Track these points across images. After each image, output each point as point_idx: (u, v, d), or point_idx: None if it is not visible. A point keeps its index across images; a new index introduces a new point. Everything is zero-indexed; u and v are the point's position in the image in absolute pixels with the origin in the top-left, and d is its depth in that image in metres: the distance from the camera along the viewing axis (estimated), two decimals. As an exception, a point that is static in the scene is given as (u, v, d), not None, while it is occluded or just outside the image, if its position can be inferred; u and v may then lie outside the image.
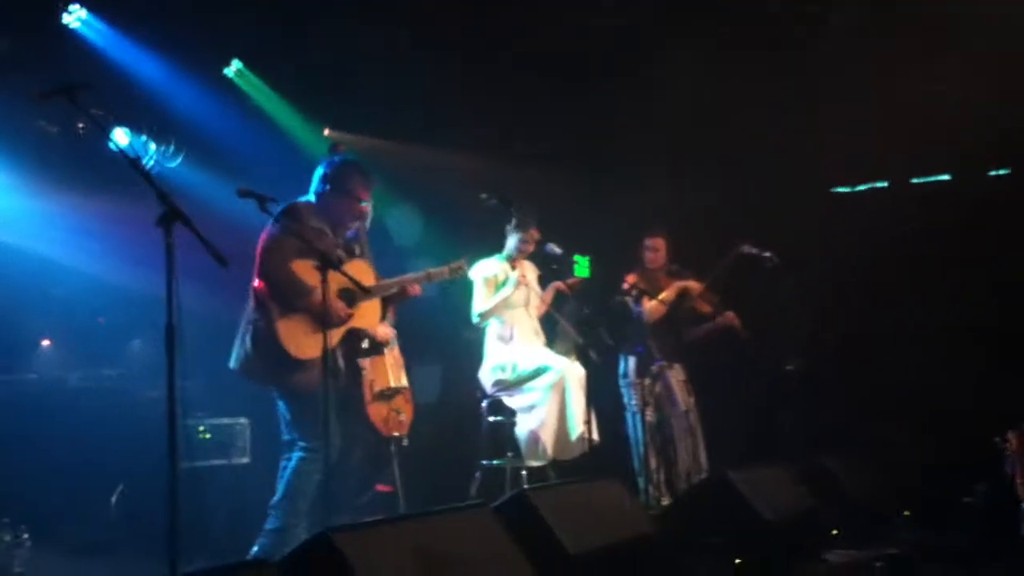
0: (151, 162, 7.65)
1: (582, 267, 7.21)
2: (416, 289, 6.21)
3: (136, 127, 7.62)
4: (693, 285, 7.78)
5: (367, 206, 5.97)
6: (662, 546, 5.36)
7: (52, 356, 7.82)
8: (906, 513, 7.10)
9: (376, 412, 6.70)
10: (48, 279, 7.71)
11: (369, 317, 5.96)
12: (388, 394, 6.70)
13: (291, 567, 3.56)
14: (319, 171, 5.92)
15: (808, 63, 8.25)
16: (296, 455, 5.62)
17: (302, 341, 5.50)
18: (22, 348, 7.71)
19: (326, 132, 6.99)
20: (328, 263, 5.10)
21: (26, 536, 5.77)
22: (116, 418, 6.91)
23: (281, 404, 5.72)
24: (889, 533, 6.79)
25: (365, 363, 6.61)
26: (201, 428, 6.84)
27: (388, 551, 3.84)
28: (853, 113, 8.15)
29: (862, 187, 9.53)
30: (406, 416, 6.80)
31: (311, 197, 5.86)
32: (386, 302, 6.18)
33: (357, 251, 6.19)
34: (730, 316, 7.84)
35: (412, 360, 7.50)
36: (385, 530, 4.04)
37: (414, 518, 4.61)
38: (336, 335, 5.71)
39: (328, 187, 5.83)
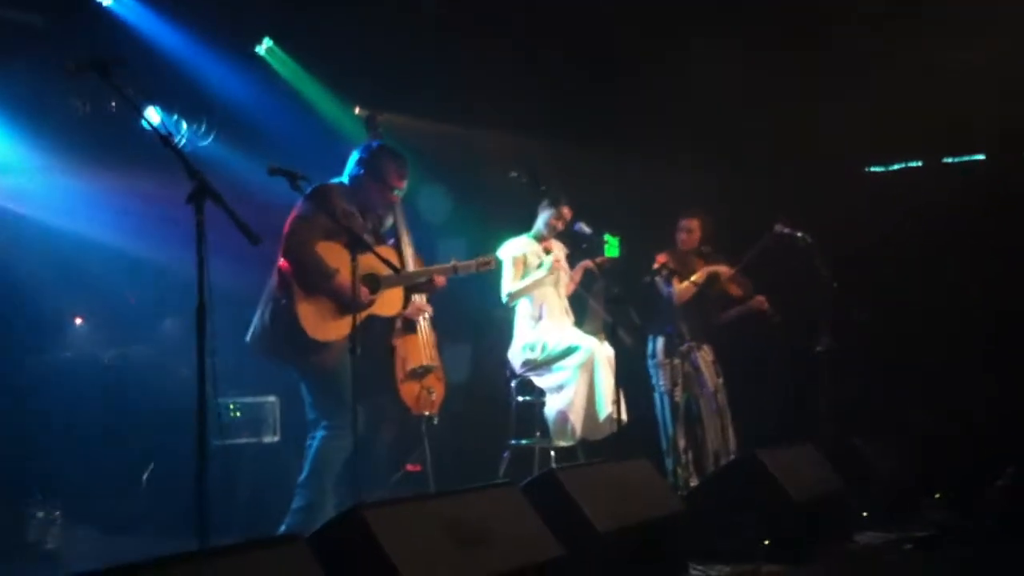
0: (183, 140, 7.68)
1: (612, 246, 7.17)
2: (441, 280, 6.21)
3: (168, 105, 7.65)
4: (724, 269, 7.75)
5: (399, 194, 5.97)
6: (690, 526, 5.34)
7: (86, 334, 7.87)
8: (936, 495, 7.06)
9: (408, 390, 6.70)
10: (82, 257, 7.75)
11: (391, 304, 5.96)
12: (420, 372, 6.71)
13: (321, 542, 3.57)
14: (355, 154, 5.93)
15: (840, 40, 8.19)
16: (320, 434, 5.65)
17: (322, 323, 5.52)
18: (56, 326, 7.76)
19: (357, 110, 6.97)
20: (358, 243, 5.10)
21: (58, 513, 5.83)
22: (149, 396, 6.95)
23: (302, 384, 5.75)
24: (918, 515, 6.77)
25: (397, 341, 6.64)
26: (231, 406, 6.87)
27: (417, 527, 3.84)
28: (886, 91, 8.08)
29: (896, 166, 9.46)
30: (437, 395, 6.80)
31: (344, 179, 5.86)
32: (411, 291, 6.18)
33: (391, 239, 6.19)
34: (761, 300, 7.81)
35: (443, 339, 7.49)
36: (414, 507, 4.04)
37: (443, 496, 4.62)
38: (356, 319, 5.73)
39: (363, 171, 5.84)
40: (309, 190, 5.39)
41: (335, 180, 5.84)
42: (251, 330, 5.73)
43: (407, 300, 6.16)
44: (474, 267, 6.41)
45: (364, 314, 5.75)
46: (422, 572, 3.62)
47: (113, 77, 4.32)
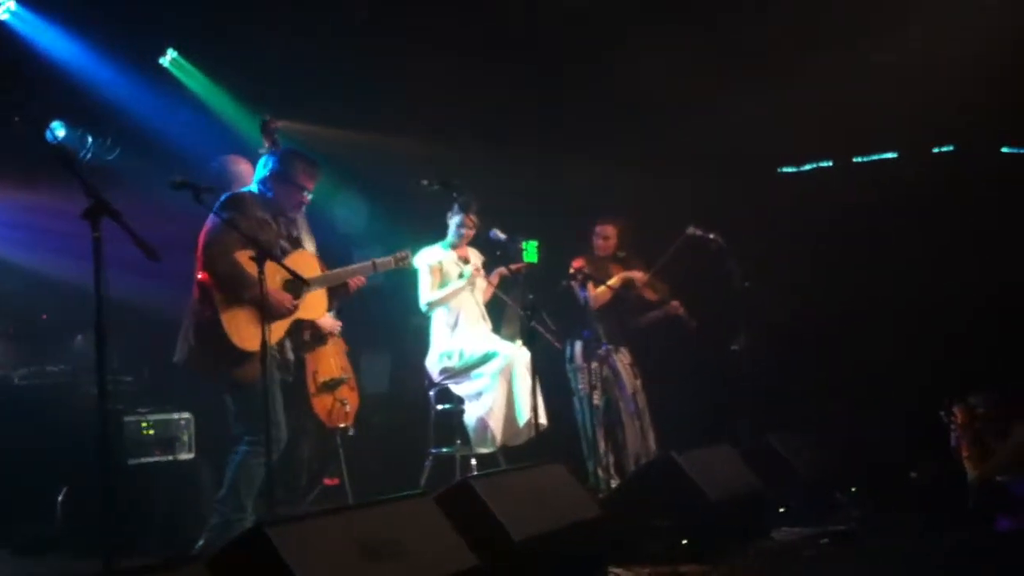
0: (88, 155, 7.54)
1: (530, 252, 7.17)
2: (359, 280, 6.23)
3: (72, 120, 7.50)
4: (639, 275, 7.79)
5: (309, 196, 5.93)
6: (609, 529, 5.34)
7: (-5, 352, 7.69)
8: (853, 490, 7.14)
9: (320, 403, 6.67)
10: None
11: (315, 308, 5.94)
12: (332, 384, 6.67)
13: (224, 562, 3.50)
14: (262, 160, 5.90)
15: (750, 42, 8.27)
16: (242, 448, 5.58)
17: (247, 332, 5.45)
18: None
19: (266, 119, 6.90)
20: (265, 254, 5.05)
21: (-33, 536, 5.68)
22: (61, 415, 6.80)
23: (228, 398, 5.67)
24: (836, 510, 6.84)
25: (307, 355, 6.58)
26: (144, 423, 6.74)
27: (324, 544, 3.78)
28: (797, 92, 8.17)
29: (807, 167, 9.58)
30: (351, 406, 6.77)
31: (254, 187, 5.81)
32: (331, 294, 6.15)
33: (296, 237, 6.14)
34: (676, 306, 7.88)
35: (361, 349, 7.47)
36: (322, 522, 3.98)
37: (353, 509, 4.59)
38: (283, 326, 5.68)
39: (271, 176, 5.79)
40: (223, 200, 5.33)
41: (245, 189, 5.78)
42: (179, 349, 5.65)
43: (331, 302, 6.15)
44: (392, 263, 6.50)
45: (291, 319, 5.71)
46: (330, 589, 3.57)
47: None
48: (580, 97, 8.70)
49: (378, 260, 6.41)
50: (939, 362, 7.92)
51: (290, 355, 5.87)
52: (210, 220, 5.52)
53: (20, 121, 6.94)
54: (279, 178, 5.80)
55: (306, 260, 5.89)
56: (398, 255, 6.55)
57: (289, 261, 5.51)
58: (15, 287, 7.73)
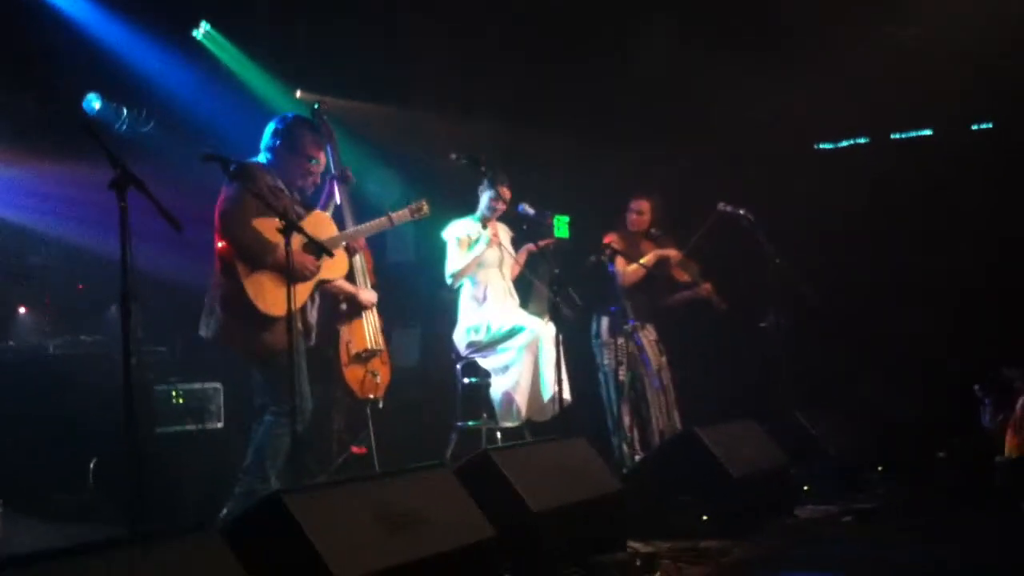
0: (124, 127, 7.61)
1: (561, 227, 7.15)
2: (360, 242, 6.18)
3: (108, 93, 7.58)
4: (673, 253, 7.75)
5: (318, 164, 5.94)
6: (629, 504, 5.36)
7: (30, 324, 7.80)
8: (879, 468, 7.12)
9: (352, 374, 6.72)
10: (22, 247, 7.69)
11: (337, 268, 5.95)
12: (365, 356, 6.72)
13: (240, 530, 3.55)
14: (269, 128, 5.87)
15: (788, 18, 8.21)
16: (267, 419, 5.62)
17: (272, 297, 5.47)
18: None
19: (298, 94, 6.95)
20: (288, 222, 5.08)
21: (0, 503, 5.78)
22: (94, 384, 6.89)
23: (254, 368, 5.71)
24: (862, 488, 6.82)
25: (342, 326, 6.64)
26: (175, 393, 6.83)
27: (343, 512, 3.83)
28: (833, 68, 8.11)
29: (844, 143, 9.50)
30: (382, 378, 6.82)
31: (261, 157, 5.82)
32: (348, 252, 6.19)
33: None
34: (707, 288, 7.83)
35: (392, 323, 7.50)
36: (340, 491, 4.04)
37: (371, 479, 4.63)
38: (306, 289, 5.69)
39: (278, 143, 5.79)
40: (232, 170, 5.35)
41: (254, 159, 5.79)
42: (204, 323, 5.69)
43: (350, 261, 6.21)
44: (408, 215, 6.41)
45: (314, 280, 5.74)
46: (347, 558, 3.60)
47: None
48: (614, 72, 8.67)
49: (393, 214, 6.33)
50: (971, 340, 7.85)
51: (311, 319, 5.88)
52: (224, 190, 5.55)
53: (54, 94, 7.10)
54: (285, 147, 5.79)
55: (321, 221, 5.92)
56: (413, 206, 6.42)
57: (305, 224, 5.51)
58: (51, 258, 7.83)
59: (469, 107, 8.64)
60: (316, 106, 6.57)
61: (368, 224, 6.27)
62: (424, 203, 6.47)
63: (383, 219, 6.29)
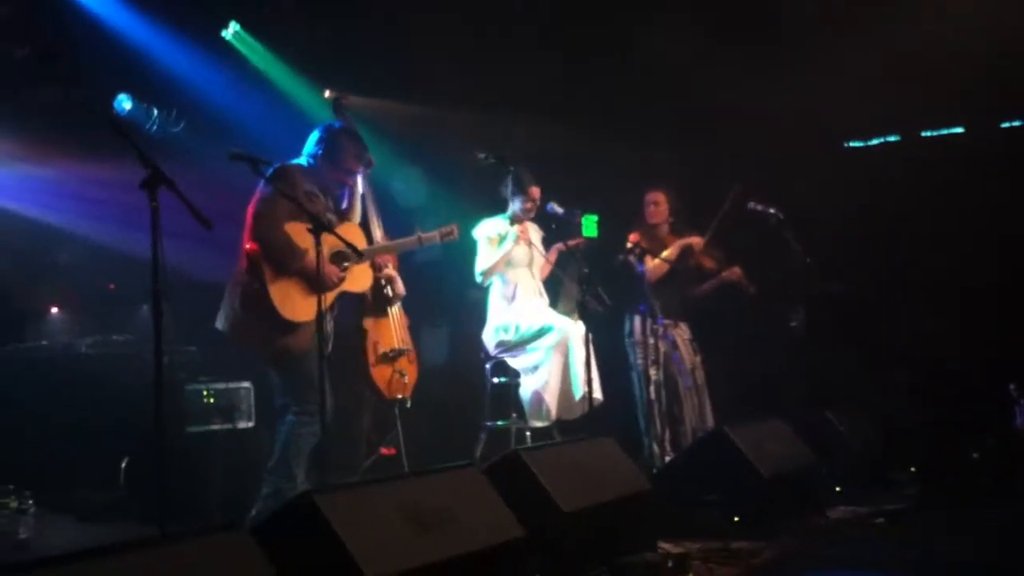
0: (154, 127, 7.65)
1: (589, 226, 7.14)
2: (390, 257, 6.25)
3: (138, 93, 7.62)
4: (696, 240, 7.72)
5: (357, 177, 5.99)
6: (659, 504, 5.34)
7: (61, 323, 7.86)
8: (912, 470, 7.06)
9: (380, 374, 6.73)
10: (53, 246, 7.76)
11: (361, 280, 6.00)
12: (392, 355, 6.73)
13: (270, 530, 3.55)
14: (314, 135, 5.94)
15: (817, 14, 8.16)
16: (289, 419, 5.64)
17: (295, 304, 5.51)
18: (31, 316, 7.76)
19: (327, 94, 6.96)
20: (320, 225, 5.10)
21: (31, 502, 5.82)
22: (125, 383, 6.93)
23: (272, 369, 5.74)
24: (894, 489, 6.77)
25: (368, 324, 6.66)
26: (205, 392, 6.86)
27: (372, 512, 3.82)
28: (863, 65, 8.06)
29: (874, 141, 9.44)
30: (410, 378, 6.83)
31: (303, 160, 5.86)
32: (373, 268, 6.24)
33: (355, 216, 6.21)
34: (735, 271, 7.79)
35: (420, 322, 7.51)
36: (371, 490, 4.03)
37: (401, 479, 4.63)
38: (328, 299, 5.71)
39: (321, 152, 5.84)
40: (271, 171, 5.38)
41: (294, 161, 5.83)
42: (221, 316, 5.71)
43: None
44: (438, 237, 6.52)
45: (336, 291, 5.76)
46: (378, 557, 3.60)
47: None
48: (640, 69, 8.63)
49: (423, 235, 6.47)
50: (1004, 340, 7.78)
51: (329, 328, 5.89)
52: (259, 191, 5.57)
53: (85, 93, 7.13)
54: (327, 155, 5.85)
55: (352, 233, 5.94)
56: (443, 230, 6.56)
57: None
58: (82, 258, 7.89)
59: (495, 105, 8.62)
60: (335, 99, 6.61)
61: (396, 242, 6.42)
62: (455, 227, 6.63)
63: (412, 238, 6.44)
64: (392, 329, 6.80)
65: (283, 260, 5.49)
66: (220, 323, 5.71)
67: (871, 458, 6.78)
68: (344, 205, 6.24)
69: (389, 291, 6.56)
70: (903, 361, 8.17)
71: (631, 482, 5.27)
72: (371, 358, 6.68)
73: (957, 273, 8.18)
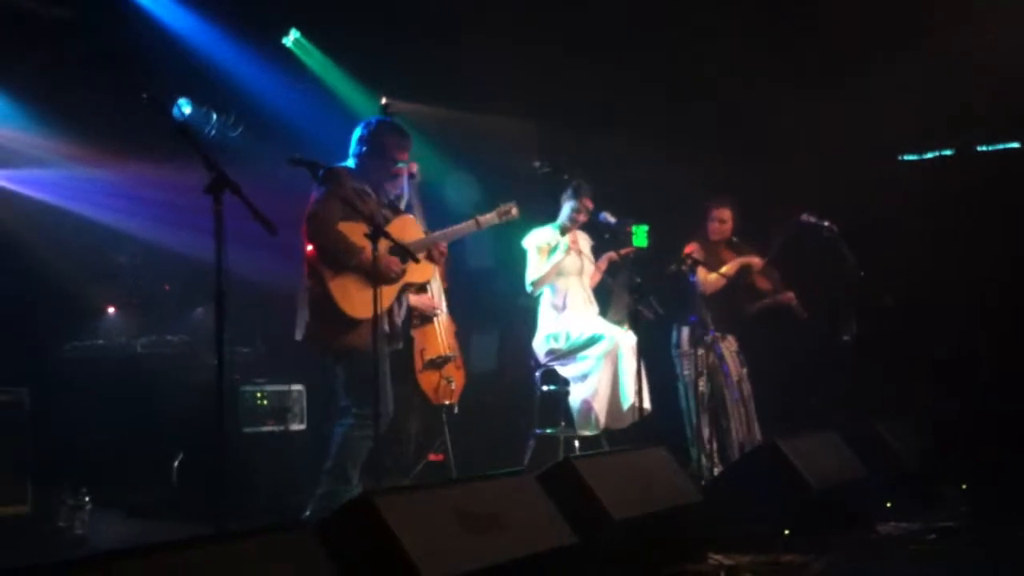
0: (212, 131, 7.75)
1: (640, 236, 7.14)
2: (443, 247, 6.16)
3: (198, 97, 7.73)
4: (756, 261, 7.70)
5: (403, 167, 6.01)
6: (710, 515, 5.33)
7: (118, 323, 7.97)
8: (963, 486, 6.99)
9: (427, 380, 6.79)
10: (111, 247, 7.87)
11: (421, 272, 5.98)
12: (439, 362, 6.78)
13: (331, 529, 3.60)
14: (356, 133, 5.96)
15: (871, 29, 8.14)
16: (347, 421, 5.68)
17: (357, 300, 5.55)
18: (88, 315, 7.87)
19: (383, 101, 7.04)
20: (375, 227, 5.14)
21: (87, 499, 5.90)
22: (180, 383, 7.04)
23: (338, 368, 5.76)
24: (945, 505, 6.69)
25: (415, 332, 6.70)
26: (259, 394, 6.94)
27: (428, 514, 3.86)
28: (918, 79, 8.02)
29: (929, 155, 9.38)
30: (456, 384, 6.87)
31: (350, 162, 5.91)
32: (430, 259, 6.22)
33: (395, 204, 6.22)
34: (790, 296, 7.78)
35: (470, 329, 7.55)
36: (426, 493, 4.07)
37: (455, 483, 4.66)
38: (391, 292, 5.75)
39: (364, 149, 5.88)
40: (320, 174, 5.44)
41: (341, 164, 5.87)
42: (297, 326, 5.76)
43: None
44: (496, 218, 6.44)
45: (399, 284, 5.80)
46: (434, 558, 3.62)
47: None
48: (692, 79, 8.63)
49: (481, 217, 6.36)
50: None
51: (398, 322, 5.93)
52: (313, 194, 5.64)
53: (147, 97, 7.21)
54: (370, 152, 5.88)
55: (408, 224, 5.97)
56: (501, 208, 6.46)
57: (392, 227, 5.58)
58: (139, 259, 8.00)
59: (548, 113, 8.66)
60: (383, 104, 6.65)
61: (455, 227, 6.27)
62: (513, 206, 6.49)
63: (470, 222, 6.32)
64: (438, 336, 6.84)
65: (339, 258, 5.55)
66: (298, 333, 5.75)
67: (923, 472, 6.71)
68: (403, 195, 6.25)
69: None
70: (954, 375, 8.10)
71: (683, 492, 5.27)
72: (418, 364, 6.73)
73: (1011, 288, 8.11)
